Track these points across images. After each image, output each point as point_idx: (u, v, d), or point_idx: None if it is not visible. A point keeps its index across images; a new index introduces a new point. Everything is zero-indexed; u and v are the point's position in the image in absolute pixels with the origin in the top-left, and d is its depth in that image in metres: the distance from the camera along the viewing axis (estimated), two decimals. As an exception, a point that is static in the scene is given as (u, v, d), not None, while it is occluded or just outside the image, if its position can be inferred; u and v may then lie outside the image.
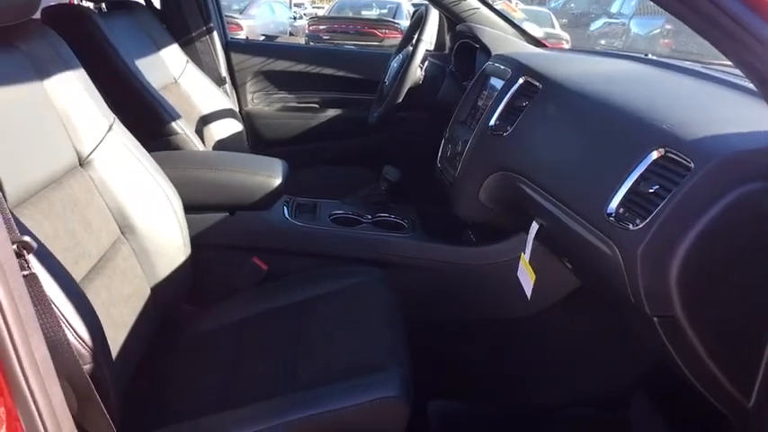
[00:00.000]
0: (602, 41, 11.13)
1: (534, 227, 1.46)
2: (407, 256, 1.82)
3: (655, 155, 1.06)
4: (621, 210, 1.08)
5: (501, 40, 2.10)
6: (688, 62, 1.62)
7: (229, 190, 1.74)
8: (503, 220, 1.71)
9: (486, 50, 2.07)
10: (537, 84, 1.54)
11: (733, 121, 1.05)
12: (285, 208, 1.91)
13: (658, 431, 1.56)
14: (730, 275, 0.96)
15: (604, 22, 11.71)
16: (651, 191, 1.03)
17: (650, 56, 1.76)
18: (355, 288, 1.56)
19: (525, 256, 1.52)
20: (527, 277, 1.53)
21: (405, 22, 11.59)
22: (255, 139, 2.72)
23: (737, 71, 1.33)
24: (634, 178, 1.08)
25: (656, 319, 1.04)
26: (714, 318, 1.00)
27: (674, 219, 0.98)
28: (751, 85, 1.23)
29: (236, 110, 2.59)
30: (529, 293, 1.51)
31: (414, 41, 2.03)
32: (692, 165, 0.98)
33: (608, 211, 1.10)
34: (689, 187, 0.97)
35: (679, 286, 0.99)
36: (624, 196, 1.08)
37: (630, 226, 1.04)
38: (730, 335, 0.99)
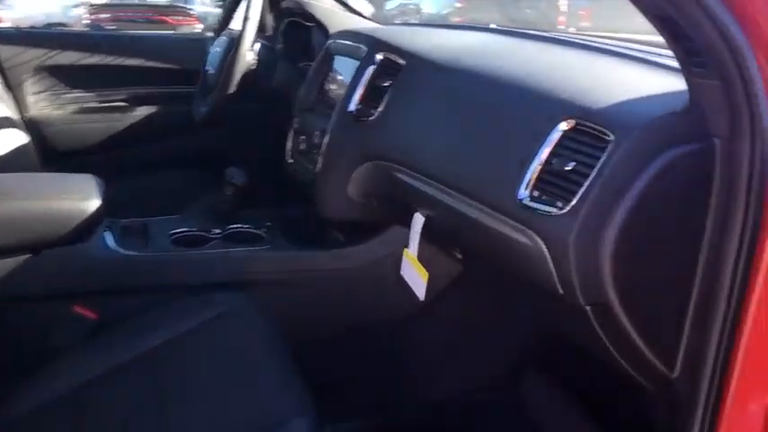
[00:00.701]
0: (398, 21, 11.51)
1: (419, 219, 1.30)
2: (272, 271, 1.56)
3: (563, 127, 0.95)
4: (537, 193, 0.96)
5: (337, 15, 1.91)
6: (544, 33, 1.56)
7: (27, 224, 1.33)
8: (378, 215, 1.53)
9: (322, 28, 1.86)
10: (400, 61, 1.37)
11: (638, 87, 0.97)
12: (107, 235, 1.53)
13: (556, 406, 1.53)
14: (665, 248, 0.89)
15: (399, 3, 12.09)
16: (568, 168, 0.92)
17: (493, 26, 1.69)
18: (217, 322, 1.28)
19: (411, 252, 1.36)
20: (416, 275, 1.37)
21: (199, 8, 10.86)
22: (46, 151, 2.18)
23: (611, 41, 1.28)
24: (543, 156, 0.96)
25: (588, 307, 0.94)
26: (646, 296, 0.92)
27: (603, 196, 0.88)
28: (632, 52, 1.19)
29: (16, 117, 2.06)
30: (421, 292, 1.36)
31: (243, 21, 1.74)
32: (611, 136, 0.89)
33: (519, 197, 0.97)
34: (614, 160, 0.87)
35: (613, 271, 0.89)
36: (537, 177, 0.96)
37: (553, 210, 0.92)
38: (660, 311, 0.92)
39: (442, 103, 1.23)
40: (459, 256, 1.38)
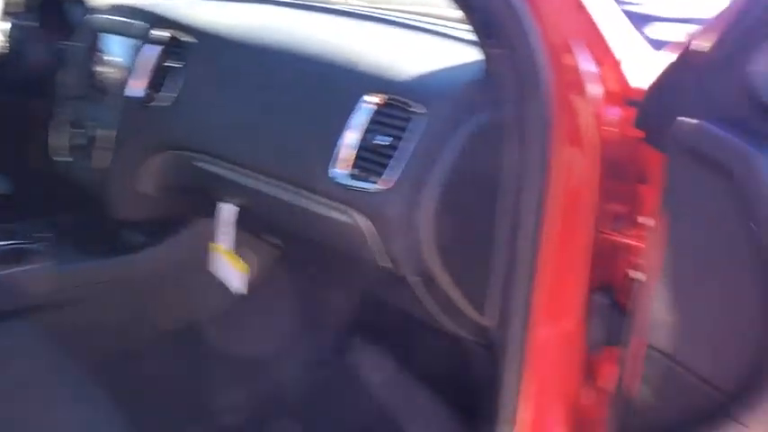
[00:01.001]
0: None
1: (226, 210, 1.21)
2: (58, 290, 1.34)
3: (373, 102, 0.95)
4: (354, 170, 0.95)
5: (96, -15, 1.67)
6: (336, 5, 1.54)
7: None
8: (178, 209, 1.40)
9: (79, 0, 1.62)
10: (188, 39, 1.24)
11: (439, 60, 1.01)
12: None
13: (387, 373, 1.57)
14: (483, 213, 0.94)
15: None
16: (382, 143, 0.93)
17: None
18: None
19: (223, 246, 1.27)
20: (231, 269, 1.29)
21: None
22: None
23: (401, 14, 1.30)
24: (353, 132, 0.95)
25: (414, 278, 0.96)
26: (469, 260, 0.97)
27: (418, 168, 0.90)
28: (424, 25, 1.22)
29: None
30: (240, 286, 1.28)
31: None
32: (419, 108, 0.91)
33: (333, 176, 0.96)
34: (424, 131, 0.90)
35: (437, 240, 0.92)
36: (352, 155, 0.95)
37: (371, 187, 0.92)
38: (480, 271, 0.98)
39: (242, 84, 1.15)
40: (278, 242, 1.33)
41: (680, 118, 0.68)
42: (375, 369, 1.58)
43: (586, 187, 0.83)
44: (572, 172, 0.82)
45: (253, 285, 1.54)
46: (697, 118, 0.67)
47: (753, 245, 0.62)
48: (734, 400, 0.64)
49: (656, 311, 0.73)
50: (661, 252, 0.73)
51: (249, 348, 1.60)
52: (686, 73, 0.71)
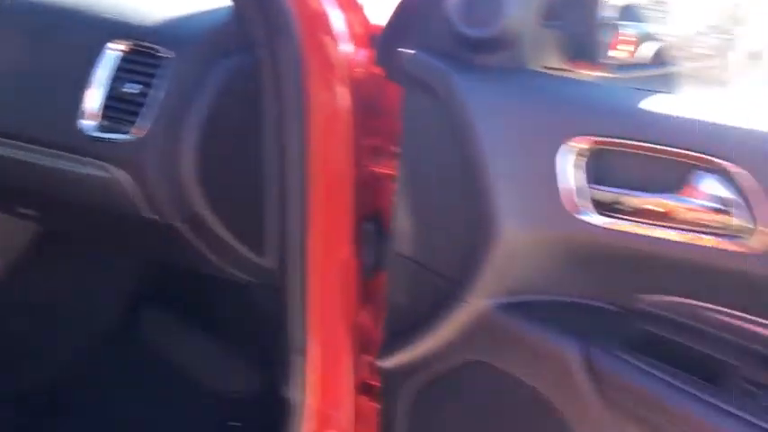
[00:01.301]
0: None
1: None
2: None
3: (118, 49, 0.90)
4: (107, 122, 0.89)
5: None
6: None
7: None
8: None
9: None
10: None
11: (185, 4, 0.97)
12: None
13: (177, 334, 1.53)
14: (246, 153, 0.94)
15: None
16: (132, 91, 0.88)
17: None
18: None
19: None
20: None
21: None
22: None
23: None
24: (101, 82, 0.90)
25: (182, 225, 0.95)
26: (237, 200, 0.98)
27: (172, 114, 0.88)
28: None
29: None
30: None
31: None
32: (167, 53, 0.88)
33: (83, 129, 0.90)
34: (175, 77, 0.88)
35: (200, 183, 0.92)
36: (102, 105, 0.89)
37: (124, 137, 0.88)
38: (251, 210, 0.99)
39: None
40: (33, 213, 1.20)
41: (400, 50, 0.76)
42: (164, 333, 1.53)
43: (343, 124, 0.88)
44: (328, 109, 0.86)
45: (13, 267, 1.39)
46: (415, 49, 0.75)
47: (461, 156, 0.72)
48: (460, 285, 0.75)
49: (399, 222, 0.82)
50: (401, 169, 0.81)
51: (25, 333, 1.45)
52: (409, 11, 0.79)
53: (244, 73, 0.90)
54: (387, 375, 0.92)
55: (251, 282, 1.08)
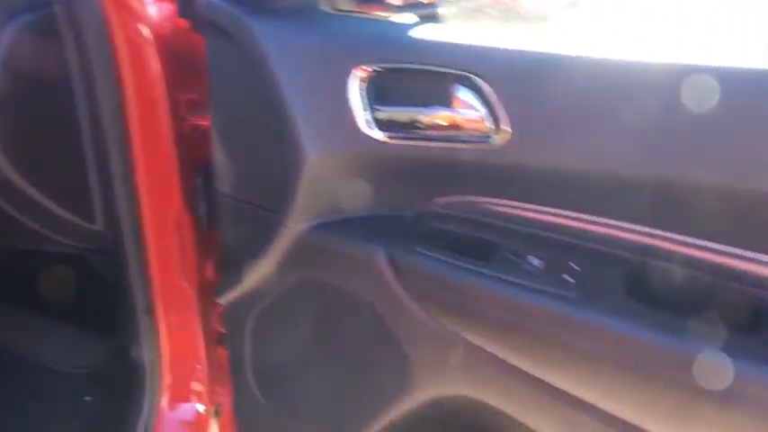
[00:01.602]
0: None
1: None
2: None
3: None
4: None
5: None
6: None
7: None
8: None
9: None
10: None
11: None
12: None
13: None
14: (51, 116, 0.93)
15: None
16: None
17: None
18: None
19: None
20: None
21: None
22: None
23: None
24: None
25: None
26: (50, 166, 0.96)
27: None
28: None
29: None
30: None
31: None
32: None
33: None
34: None
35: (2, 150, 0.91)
36: None
37: None
38: (69, 177, 0.99)
39: None
40: None
41: None
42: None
43: (154, 79, 0.90)
44: (136, 66, 0.89)
45: None
46: None
47: (264, 95, 0.80)
48: (279, 214, 0.84)
49: (218, 164, 0.89)
50: (213, 115, 0.87)
51: None
52: None
53: (38, 30, 0.89)
54: (228, 311, 0.99)
55: (85, 249, 1.09)
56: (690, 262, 0.71)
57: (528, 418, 0.79)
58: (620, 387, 0.71)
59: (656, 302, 0.71)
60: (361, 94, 0.78)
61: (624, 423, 0.72)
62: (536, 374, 0.75)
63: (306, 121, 0.79)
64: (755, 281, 0.69)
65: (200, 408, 1.17)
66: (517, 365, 0.76)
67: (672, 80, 0.65)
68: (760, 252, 0.68)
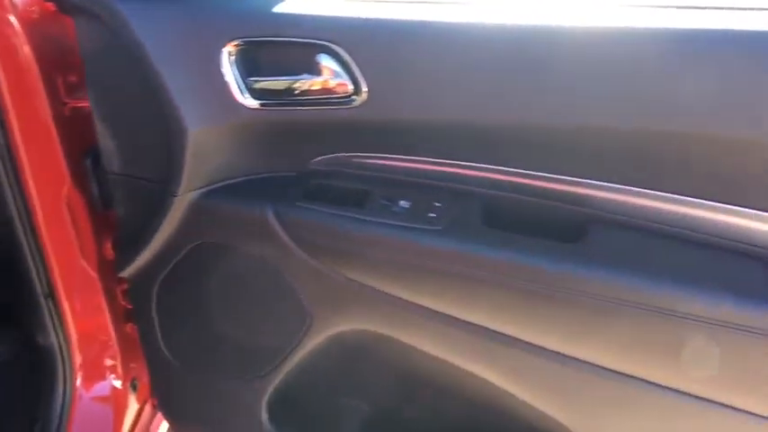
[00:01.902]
0: None
1: None
2: None
3: None
4: None
5: None
6: None
7: None
8: None
9: None
10: None
11: None
12: None
13: None
14: None
15: None
16: None
17: None
18: None
19: None
20: None
21: None
22: None
23: None
24: None
25: None
26: None
27: None
28: None
29: None
30: None
31: None
32: None
33: None
34: None
35: None
36: None
37: None
38: None
39: None
40: None
41: None
42: None
43: (28, 64, 0.92)
44: (8, 52, 0.90)
45: None
46: None
47: (139, 73, 0.84)
48: (168, 184, 0.90)
49: (103, 144, 0.93)
50: (91, 97, 0.90)
51: None
52: None
53: None
54: (132, 284, 1.04)
55: None
56: (529, 191, 0.85)
57: (414, 339, 0.91)
58: (484, 300, 0.85)
59: (507, 227, 0.84)
60: (232, 67, 0.85)
61: (489, 330, 0.86)
62: (415, 301, 0.88)
63: (184, 97, 0.85)
64: (578, 200, 0.84)
65: (117, 383, 1.21)
66: (398, 296, 0.88)
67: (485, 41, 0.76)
68: (580, 177, 0.83)
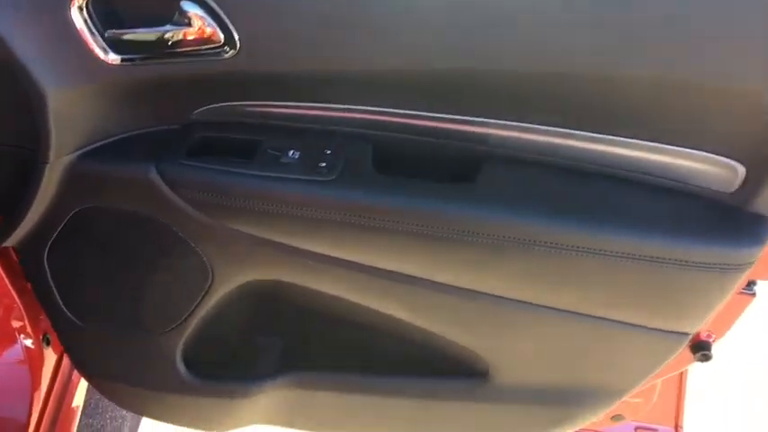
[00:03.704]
0: None
1: None
2: None
3: None
4: None
5: None
6: None
7: None
8: None
9: None
10: None
11: None
12: None
13: None
14: None
15: None
16: None
17: None
18: None
19: None
20: None
21: None
22: None
23: None
24: None
25: None
26: None
27: None
28: None
29: None
30: None
31: None
32: None
33: None
34: None
35: None
36: None
37: None
38: None
39: None
40: None
41: None
42: None
43: None
44: None
45: None
46: None
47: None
48: (39, 150, 0.83)
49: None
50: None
51: None
52: None
53: None
54: (21, 251, 0.99)
55: None
56: (417, 130, 0.84)
57: (316, 284, 0.93)
58: (382, 246, 0.86)
59: (399, 172, 0.84)
60: (86, 20, 0.76)
61: (389, 272, 0.88)
62: (313, 250, 0.88)
63: (36, 57, 0.76)
64: (469, 137, 0.84)
65: (28, 342, 1.18)
66: (296, 246, 0.88)
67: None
68: (471, 115, 0.82)
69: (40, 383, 1.20)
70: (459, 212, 0.81)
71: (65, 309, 1.02)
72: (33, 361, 1.20)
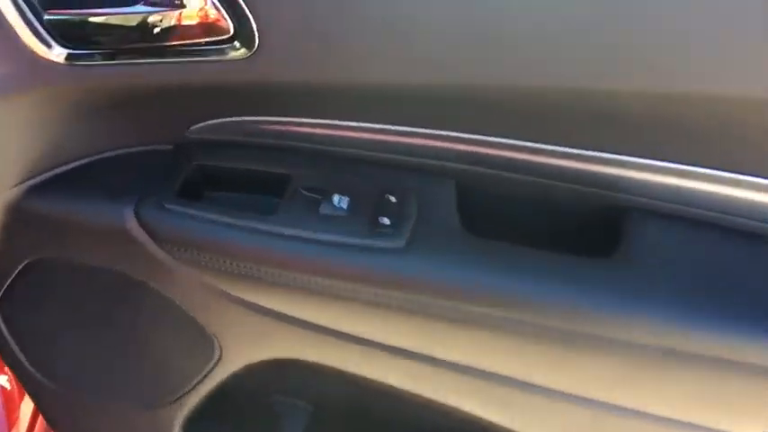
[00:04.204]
0: None
1: None
2: None
3: None
4: None
5: None
6: None
7: None
8: None
9: None
10: None
11: None
12: None
13: None
14: None
15: None
16: None
17: None
18: None
19: None
20: None
21: None
22: None
23: None
24: None
25: None
26: None
27: None
28: None
29: None
30: None
31: None
32: None
33: None
34: None
35: None
36: None
37: None
38: None
39: None
40: None
41: None
42: None
43: None
44: None
45: None
46: None
47: None
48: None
49: None
50: None
51: None
52: None
53: None
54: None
55: None
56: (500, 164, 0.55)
57: (353, 369, 0.65)
58: (472, 341, 0.58)
59: (490, 229, 0.55)
60: (14, 1, 0.47)
61: (466, 367, 0.60)
62: (356, 334, 0.60)
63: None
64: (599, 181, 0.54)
65: (2, 379, 0.98)
66: (333, 328, 0.60)
67: None
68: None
69: (16, 419, 0.99)
70: (600, 306, 0.51)
71: (29, 367, 0.78)
72: (7, 398, 0.99)
